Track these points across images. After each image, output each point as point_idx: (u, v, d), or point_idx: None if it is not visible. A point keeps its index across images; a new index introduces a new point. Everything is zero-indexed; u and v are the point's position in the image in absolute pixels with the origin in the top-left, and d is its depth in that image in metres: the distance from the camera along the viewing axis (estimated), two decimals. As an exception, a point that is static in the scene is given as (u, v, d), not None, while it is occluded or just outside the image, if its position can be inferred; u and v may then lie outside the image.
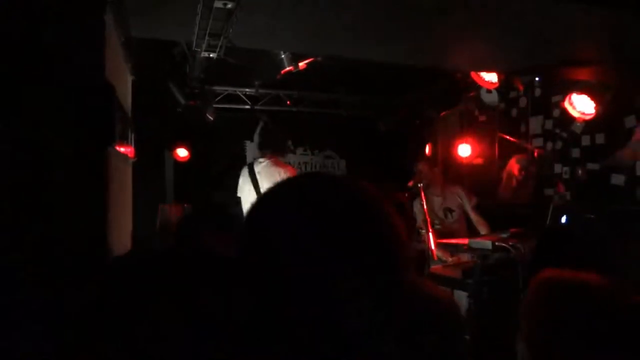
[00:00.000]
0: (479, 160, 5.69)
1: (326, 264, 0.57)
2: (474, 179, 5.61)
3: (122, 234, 2.54)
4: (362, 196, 0.64)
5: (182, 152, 5.56)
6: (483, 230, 4.01)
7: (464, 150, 5.51)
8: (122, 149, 2.28)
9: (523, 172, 5.08)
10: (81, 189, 1.68)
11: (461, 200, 4.14)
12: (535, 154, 4.97)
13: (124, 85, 2.92)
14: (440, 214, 4.10)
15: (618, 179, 4.19)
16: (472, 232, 4.03)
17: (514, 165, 5.24)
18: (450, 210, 4.12)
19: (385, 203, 0.66)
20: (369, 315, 0.58)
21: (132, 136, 2.84)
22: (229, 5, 2.16)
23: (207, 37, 2.58)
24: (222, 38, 2.59)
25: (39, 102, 1.61)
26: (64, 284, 1.64)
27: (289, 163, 6.21)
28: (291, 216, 0.60)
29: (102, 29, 1.80)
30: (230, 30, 2.51)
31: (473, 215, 4.14)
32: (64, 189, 1.64)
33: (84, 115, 1.66)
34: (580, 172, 4.32)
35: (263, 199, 0.66)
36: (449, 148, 5.88)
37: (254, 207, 0.66)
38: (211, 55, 2.86)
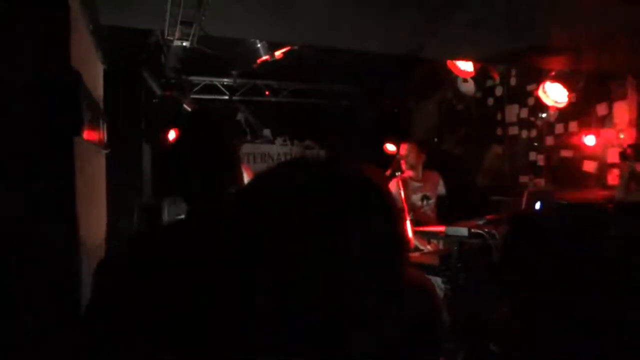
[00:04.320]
0: (459, 150, 5.76)
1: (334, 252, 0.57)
2: (455, 168, 5.68)
3: (94, 226, 2.50)
4: (372, 184, 0.64)
5: (172, 136, 5.30)
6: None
7: (446, 139, 5.58)
8: (92, 139, 2.23)
9: (499, 162, 5.17)
10: (47, 181, 1.64)
11: (438, 187, 4.20)
12: (512, 142, 5.05)
13: (94, 74, 2.85)
14: (417, 200, 4.14)
15: (590, 166, 4.29)
16: (442, 218, 4.07)
17: (491, 155, 5.32)
18: (428, 198, 4.17)
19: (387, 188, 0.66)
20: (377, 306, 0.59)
21: (104, 126, 2.78)
22: (200, -8, 2.13)
23: (179, 25, 2.53)
24: (194, 26, 2.55)
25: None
26: (33, 281, 1.61)
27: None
28: (291, 202, 0.59)
29: (67, 14, 1.75)
30: (203, 18, 2.47)
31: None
32: (29, 181, 1.60)
33: (48, 104, 1.62)
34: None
35: (258, 183, 0.65)
36: (428, 136, 5.93)
37: (254, 188, 0.65)
38: (184, 44, 2.81)
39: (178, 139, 1.32)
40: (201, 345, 1.00)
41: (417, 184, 4.17)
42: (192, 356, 1.04)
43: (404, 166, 4.08)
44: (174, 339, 1.05)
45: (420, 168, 4.19)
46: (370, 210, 0.61)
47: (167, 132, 4.98)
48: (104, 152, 3.02)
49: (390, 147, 5.48)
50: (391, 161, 4.49)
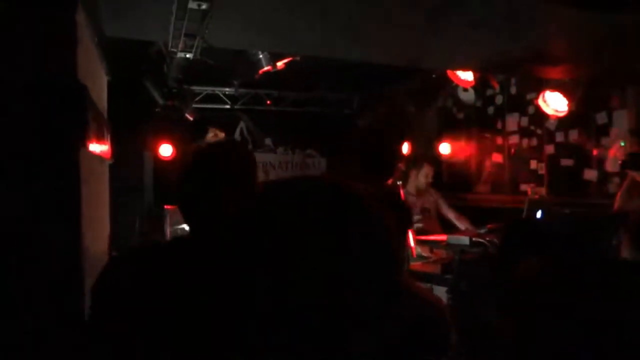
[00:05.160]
0: (458, 157, 5.77)
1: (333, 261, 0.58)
2: (453, 176, 5.70)
3: (98, 237, 2.52)
4: (359, 199, 0.65)
5: (165, 151, 5.23)
6: (464, 224, 4.06)
7: (444, 148, 5.61)
8: (97, 150, 2.25)
9: (500, 169, 5.18)
10: (55, 190, 1.66)
11: (435, 200, 4.21)
12: (513, 151, 5.06)
13: (99, 86, 2.88)
14: (417, 212, 4.15)
15: (591, 174, 4.30)
16: (445, 230, 4.08)
17: (490, 164, 5.34)
18: (427, 210, 4.18)
19: (377, 207, 0.68)
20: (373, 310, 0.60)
21: (108, 137, 2.80)
22: (204, 6, 2.15)
23: (182, 38, 2.57)
24: (197, 38, 2.59)
25: (8, 102, 1.59)
26: (37, 286, 1.62)
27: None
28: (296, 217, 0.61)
29: (73, 29, 1.78)
30: (206, 31, 2.50)
31: (452, 213, 4.19)
32: (37, 190, 1.62)
33: (56, 116, 1.64)
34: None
35: (260, 190, 0.67)
36: (428, 145, 5.95)
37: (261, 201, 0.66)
38: (188, 56, 2.85)
39: (187, 171, 1.30)
40: (201, 346, 1.01)
41: (412, 197, 4.19)
42: (192, 356, 1.05)
43: (420, 182, 4.09)
44: (174, 339, 1.06)
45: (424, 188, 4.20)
46: (369, 212, 0.63)
47: (160, 144, 4.95)
48: (108, 162, 3.04)
49: (404, 149, 5.46)
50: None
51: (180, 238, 1.26)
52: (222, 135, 3.22)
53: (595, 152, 4.27)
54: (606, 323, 0.95)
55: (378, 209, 0.64)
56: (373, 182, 1.89)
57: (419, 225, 3.99)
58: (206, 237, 1.16)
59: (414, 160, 4.29)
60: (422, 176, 4.11)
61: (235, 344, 0.61)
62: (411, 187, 4.20)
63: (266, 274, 0.58)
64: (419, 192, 4.16)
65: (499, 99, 5.24)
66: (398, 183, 3.85)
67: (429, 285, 3.68)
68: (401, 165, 4.40)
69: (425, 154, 5.26)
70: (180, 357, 1.06)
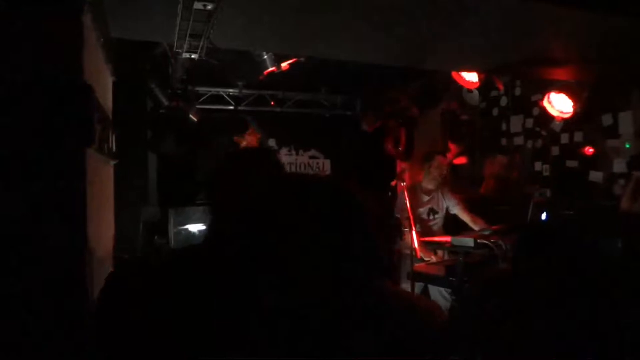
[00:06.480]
0: (462, 160, 5.76)
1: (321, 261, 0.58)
2: (457, 178, 5.68)
3: (103, 238, 2.53)
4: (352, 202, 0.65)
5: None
6: (480, 227, 3.87)
7: (448, 149, 5.60)
8: (102, 151, 2.26)
9: (505, 172, 5.16)
10: (60, 191, 1.67)
11: (446, 202, 4.12)
12: (517, 157, 5.04)
13: (105, 87, 2.89)
14: (424, 213, 4.10)
15: (596, 176, 4.28)
16: (451, 233, 4.02)
17: (496, 166, 5.32)
18: (435, 212, 4.12)
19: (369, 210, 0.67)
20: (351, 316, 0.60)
21: (113, 137, 2.81)
22: (209, 7, 2.16)
23: (188, 39, 2.57)
24: (203, 39, 2.59)
25: (16, 103, 1.59)
26: (43, 285, 1.63)
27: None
28: (289, 216, 0.60)
29: (80, 30, 1.79)
30: (212, 32, 2.51)
31: (468, 217, 4.04)
32: (43, 191, 1.63)
33: (62, 117, 1.65)
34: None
35: (263, 189, 0.67)
36: (432, 147, 5.93)
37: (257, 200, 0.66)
38: (193, 57, 2.86)
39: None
40: (203, 342, 1.01)
41: (426, 197, 4.11)
42: (194, 353, 1.05)
43: (434, 175, 3.99)
44: (175, 335, 1.05)
45: (441, 182, 4.07)
46: (369, 213, 0.63)
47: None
48: (113, 163, 3.05)
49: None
50: (395, 171, 4.48)
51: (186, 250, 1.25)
52: (258, 135, 3.26)
53: (601, 154, 4.25)
54: (607, 323, 0.95)
55: (376, 210, 0.65)
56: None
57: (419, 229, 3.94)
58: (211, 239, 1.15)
59: (426, 156, 4.14)
60: (435, 168, 3.96)
61: (236, 339, 0.61)
62: (426, 183, 4.07)
63: (268, 271, 0.58)
64: (430, 192, 4.07)
65: (503, 101, 5.23)
66: (402, 184, 3.85)
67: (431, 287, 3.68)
68: (404, 165, 4.39)
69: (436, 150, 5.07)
70: (181, 353, 1.06)
